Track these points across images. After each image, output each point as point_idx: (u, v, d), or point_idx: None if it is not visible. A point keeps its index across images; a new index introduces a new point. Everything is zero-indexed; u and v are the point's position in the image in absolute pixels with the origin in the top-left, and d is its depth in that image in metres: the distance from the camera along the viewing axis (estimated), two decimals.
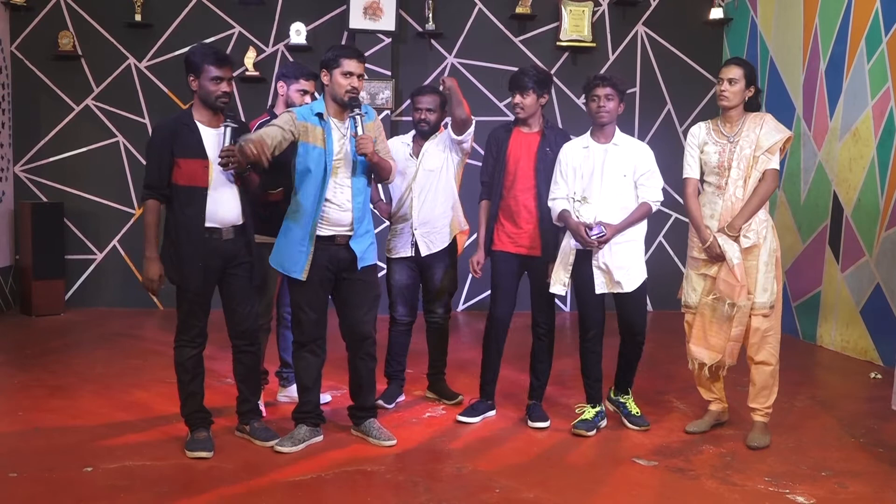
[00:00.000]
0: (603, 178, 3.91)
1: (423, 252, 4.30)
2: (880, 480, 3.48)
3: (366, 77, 3.78)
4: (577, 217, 3.90)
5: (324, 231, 3.63)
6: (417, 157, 4.33)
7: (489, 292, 4.25)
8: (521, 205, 4.04)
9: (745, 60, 3.93)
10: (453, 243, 4.37)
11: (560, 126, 7.42)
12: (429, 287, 4.42)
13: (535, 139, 4.06)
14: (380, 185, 4.47)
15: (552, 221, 4.01)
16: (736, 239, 3.77)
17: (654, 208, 3.97)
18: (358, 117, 3.55)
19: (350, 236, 3.66)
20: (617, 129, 4.00)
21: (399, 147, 4.40)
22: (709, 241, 3.82)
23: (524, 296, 4.18)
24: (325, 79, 3.64)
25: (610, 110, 3.91)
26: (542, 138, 4.05)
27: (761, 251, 3.80)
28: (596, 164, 3.93)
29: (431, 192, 4.30)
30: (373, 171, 3.72)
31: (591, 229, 3.84)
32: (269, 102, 7.28)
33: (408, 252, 4.33)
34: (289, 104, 4.10)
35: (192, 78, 3.54)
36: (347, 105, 3.59)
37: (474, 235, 4.49)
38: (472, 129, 4.22)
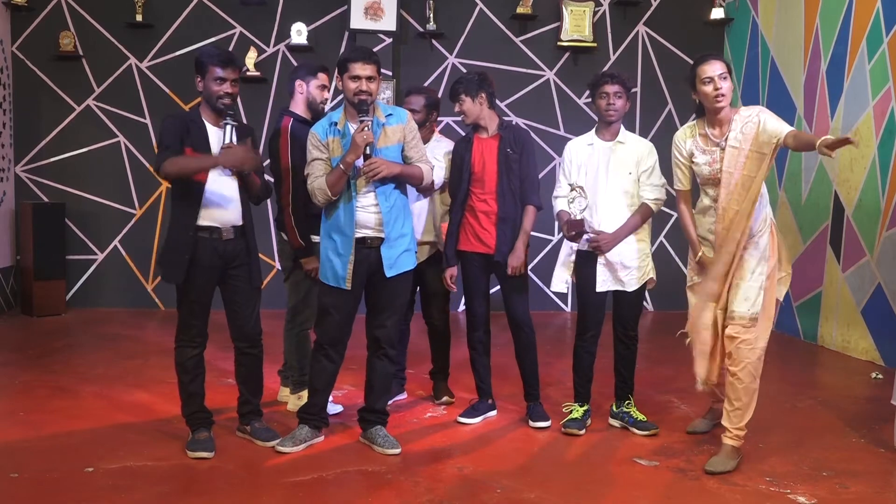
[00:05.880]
0: (608, 176, 3.91)
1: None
2: (881, 481, 3.48)
3: (385, 76, 3.73)
4: (570, 208, 3.87)
5: (356, 234, 3.62)
6: None
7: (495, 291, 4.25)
8: (488, 207, 4.04)
9: (716, 53, 3.79)
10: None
11: (562, 124, 7.50)
12: (422, 291, 4.45)
13: (494, 143, 4.05)
14: None
15: (513, 223, 4.00)
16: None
17: (656, 208, 3.95)
18: (369, 123, 3.51)
19: (381, 239, 3.63)
20: (622, 127, 4.00)
21: None
22: (699, 256, 3.67)
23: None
24: (339, 84, 3.64)
25: (619, 108, 3.90)
26: (500, 141, 4.04)
27: (750, 253, 3.53)
28: (601, 161, 3.93)
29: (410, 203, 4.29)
30: (403, 181, 3.69)
31: (581, 236, 3.84)
32: (268, 106, 7.29)
33: None
34: (310, 101, 4.15)
35: (198, 79, 3.58)
36: (357, 109, 3.56)
37: None
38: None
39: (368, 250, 3.63)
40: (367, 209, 3.61)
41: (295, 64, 7.23)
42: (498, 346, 4.42)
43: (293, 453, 3.65)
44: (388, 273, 3.65)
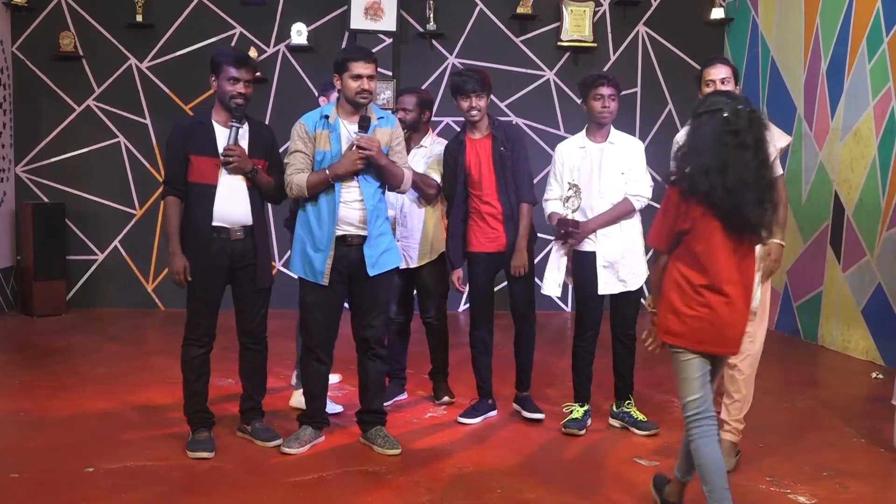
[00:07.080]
0: (601, 177, 3.91)
1: (400, 265, 3.98)
2: (882, 481, 3.48)
3: (385, 76, 3.77)
4: (564, 207, 3.88)
5: (336, 231, 3.62)
6: None
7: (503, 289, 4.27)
8: (491, 207, 4.05)
9: (725, 58, 3.80)
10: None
11: (562, 124, 7.49)
12: (418, 291, 4.45)
13: (487, 143, 4.05)
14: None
15: (515, 220, 4.02)
16: None
17: (638, 205, 3.94)
18: (369, 123, 3.55)
19: (364, 237, 3.63)
20: (612, 127, 4.00)
21: None
22: None
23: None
24: (336, 83, 3.65)
25: (613, 111, 3.91)
26: (493, 140, 4.04)
27: None
28: (594, 163, 3.93)
29: (412, 206, 4.29)
30: (384, 177, 3.68)
31: (570, 236, 3.84)
32: (269, 106, 7.30)
33: None
34: None
35: (213, 78, 3.61)
36: (360, 107, 3.59)
37: None
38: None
39: (349, 248, 3.63)
40: (351, 205, 3.61)
41: (295, 64, 7.28)
42: (498, 347, 4.42)
43: (299, 454, 3.65)
44: (371, 272, 3.65)
